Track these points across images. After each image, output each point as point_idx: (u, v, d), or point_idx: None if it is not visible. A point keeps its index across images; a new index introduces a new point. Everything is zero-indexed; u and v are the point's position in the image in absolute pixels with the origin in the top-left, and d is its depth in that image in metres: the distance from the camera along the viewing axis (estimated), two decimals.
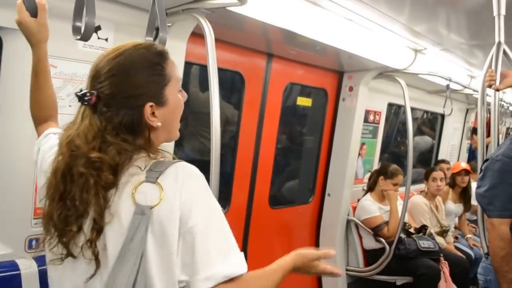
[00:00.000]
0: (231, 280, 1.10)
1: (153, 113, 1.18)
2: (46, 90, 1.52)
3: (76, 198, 1.12)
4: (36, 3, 1.38)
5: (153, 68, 1.20)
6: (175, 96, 1.25)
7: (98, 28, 2.16)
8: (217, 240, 1.12)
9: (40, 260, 1.99)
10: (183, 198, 1.10)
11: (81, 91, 1.17)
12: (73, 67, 2.14)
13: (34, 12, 1.38)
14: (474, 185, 4.82)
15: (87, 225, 1.12)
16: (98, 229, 1.10)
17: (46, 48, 1.45)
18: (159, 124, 1.19)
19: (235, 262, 1.12)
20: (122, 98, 1.15)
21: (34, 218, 2.06)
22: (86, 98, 1.15)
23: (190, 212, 1.10)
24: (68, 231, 1.13)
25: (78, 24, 1.50)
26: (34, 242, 2.05)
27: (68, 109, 2.12)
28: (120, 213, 1.11)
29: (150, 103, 1.17)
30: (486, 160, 2.40)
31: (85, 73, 2.11)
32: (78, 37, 1.48)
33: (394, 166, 4.08)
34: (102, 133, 1.14)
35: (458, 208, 5.05)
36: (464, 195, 5.09)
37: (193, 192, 1.13)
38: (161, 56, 1.23)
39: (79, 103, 1.19)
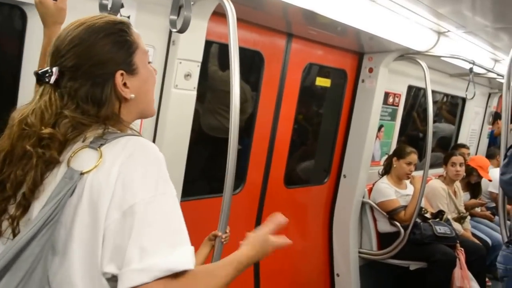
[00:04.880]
0: (174, 276, 0.92)
1: (125, 84, 1.10)
2: None
3: (8, 180, 1.02)
4: None
5: (117, 34, 1.11)
6: (146, 66, 1.17)
7: (121, 5, 2.19)
8: (163, 226, 0.96)
9: None
10: (124, 169, 0.97)
11: (41, 69, 1.08)
12: None
13: None
14: (494, 170, 4.77)
15: (12, 205, 1.02)
16: (25, 205, 1.01)
17: (60, 30, 1.37)
18: (133, 96, 1.11)
19: (181, 256, 0.94)
20: (88, 67, 1.06)
21: None
22: (47, 75, 1.06)
23: (131, 188, 0.96)
24: None
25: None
26: None
27: None
28: (51, 183, 1.00)
29: (121, 71, 1.09)
30: (511, 146, 2.36)
31: None
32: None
33: (406, 146, 4.04)
34: (61, 109, 1.04)
35: (465, 197, 4.92)
36: (472, 187, 5.03)
37: (140, 167, 0.99)
38: (124, 24, 1.14)
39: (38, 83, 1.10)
